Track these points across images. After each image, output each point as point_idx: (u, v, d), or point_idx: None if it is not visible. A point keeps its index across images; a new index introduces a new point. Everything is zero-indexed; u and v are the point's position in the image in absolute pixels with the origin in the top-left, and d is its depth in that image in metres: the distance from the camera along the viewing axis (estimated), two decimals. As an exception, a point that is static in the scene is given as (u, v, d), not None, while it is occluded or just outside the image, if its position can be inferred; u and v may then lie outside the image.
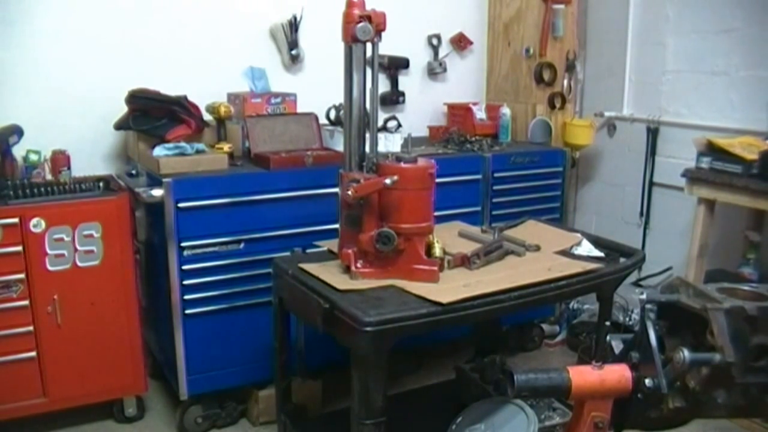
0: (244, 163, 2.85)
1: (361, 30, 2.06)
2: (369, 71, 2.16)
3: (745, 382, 1.44)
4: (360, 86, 2.13)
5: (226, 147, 2.85)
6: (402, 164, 2.08)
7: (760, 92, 2.99)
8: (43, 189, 2.58)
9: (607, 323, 2.32)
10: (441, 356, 3.33)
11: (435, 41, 3.75)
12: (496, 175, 3.21)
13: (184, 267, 2.60)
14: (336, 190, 2.25)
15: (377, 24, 2.09)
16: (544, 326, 3.64)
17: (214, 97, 2.99)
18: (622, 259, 2.39)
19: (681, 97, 3.36)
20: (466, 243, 2.45)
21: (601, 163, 3.84)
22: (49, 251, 2.51)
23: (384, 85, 3.60)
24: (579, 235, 2.55)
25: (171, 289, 2.60)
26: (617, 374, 1.54)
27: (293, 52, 3.32)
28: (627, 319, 3.41)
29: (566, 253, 2.38)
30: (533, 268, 2.22)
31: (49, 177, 2.81)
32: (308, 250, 2.44)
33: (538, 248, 2.40)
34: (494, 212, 3.21)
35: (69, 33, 2.94)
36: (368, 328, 1.82)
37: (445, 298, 1.92)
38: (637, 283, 3.37)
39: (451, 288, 2.02)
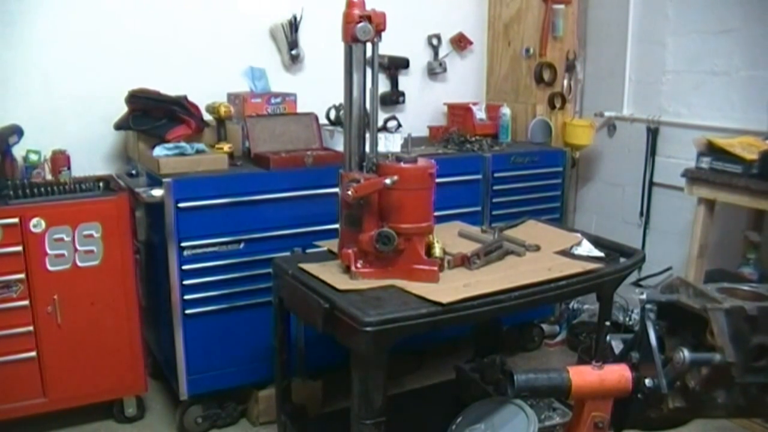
0: (244, 163, 2.85)
1: (361, 30, 2.06)
2: (369, 71, 2.16)
3: (745, 382, 1.44)
4: (360, 86, 2.13)
5: (226, 147, 2.85)
6: (402, 164, 2.08)
7: (760, 92, 2.99)
8: (43, 189, 2.59)
9: (607, 323, 2.31)
10: (441, 356, 3.33)
11: (435, 41, 3.75)
12: (496, 175, 3.21)
13: (184, 267, 2.60)
14: (336, 190, 2.25)
15: (377, 24, 2.09)
16: (544, 326, 3.64)
17: (214, 97, 2.99)
18: (622, 259, 2.39)
19: (681, 97, 3.36)
20: (466, 243, 2.45)
21: (601, 163, 3.84)
22: (49, 251, 2.51)
23: (384, 85, 3.59)
24: (579, 235, 2.55)
25: (171, 289, 2.60)
26: (617, 374, 1.54)
27: (293, 52, 3.32)
28: (627, 319, 3.41)
29: (566, 253, 2.38)
30: (533, 268, 2.22)
31: (49, 177, 2.81)
32: (308, 250, 2.44)
33: (538, 248, 2.40)
34: (494, 212, 3.21)
35: (69, 33, 2.94)
36: (368, 328, 1.82)
37: (445, 298, 1.92)
38: (637, 283, 3.37)
39: (451, 288, 2.02)
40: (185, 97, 2.86)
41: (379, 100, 2.52)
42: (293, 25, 3.30)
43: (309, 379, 2.84)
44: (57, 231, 2.52)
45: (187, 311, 2.63)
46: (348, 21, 2.08)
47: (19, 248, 2.48)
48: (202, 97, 2.94)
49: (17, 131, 2.74)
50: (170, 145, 2.70)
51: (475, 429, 2.33)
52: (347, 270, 2.13)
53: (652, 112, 3.47)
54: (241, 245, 2.68)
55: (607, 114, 3.68)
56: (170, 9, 3.10)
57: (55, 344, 2.59)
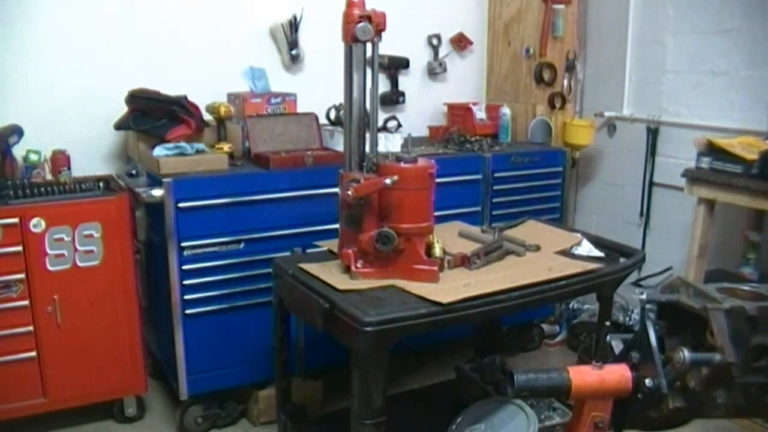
0: (244, 163, 2.85)
1: (361, 30, 2.06)
2: (369, 71, 2.16)
3: (745, 382, 1.44)
4: (360, 86, 2.13)
5: (226, 147, 2.85)
6: (402, 164, 2.08)
7: (760, 92, 2.99)
8: (43, 189, 2.59)
9: (607, 323, 2.31)
10: (441, 356, 3.33)
11: (435, 41, 3.75)
12: (496, 175, 3.21)
13: (184, 267, 2.60)
14: (336, 190, 2.25)
15: (377, 24, 2.09)
16: (544, 326, 3.64)
17: (214, 97, 2.99)
18: (622, 259, 2.38)
19: (681, 97, 3.36)
20: (466, 243, 2.45)
21: (601, 163, 3.84)
22: (49, 251, 2.51)
23: (384, 85, 3.59)
24: (579, 235, 2.55)
25: (171, 289, 2.60)
26: (617, 374, 1.54)
27: (293, 52, 3.32)
28: (627, 319, 3.40)
29: (566, 253, 2.38)
30: (533, 268, 2.22)
31: (49, 177, 2.81)
32: (308, 250, 2.44)
33: (538, 248, 2.40)
34: (494, 212, 3.21)
35: (69, 33, 2.94)
36: (368, 328, 1.82)
37: (445, 298, 1.92)
38: (637, 283, 3.36)
39: (451, 288, 2.02)
40: (185, 97, 2.86)
41: (379, 100, 2.53)
42: (293, 25, 3.30)
43: (309, 379, 2.84)
44: (57, 231, 2.52)
45: (187, 311, 2.63)
46: (348, 21, 2.08)
47: (19, 248, 2.48)
48: (202, 97, 2.94)
49: (17, 131, 2.74)
50: (170, 145, 2.70)
51: (475, 429, 2.33)
52: (347, 270, 2.13)
53: (652, 112, 3.47)
54: (241, 245, 2.68)
55: (607, 114, 3.68)
56: (170, 9, 3.10)
57: (55, 344, 2.59)
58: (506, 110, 3.53)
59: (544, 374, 1.55)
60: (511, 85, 3.77)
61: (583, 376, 1.54)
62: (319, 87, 3.13)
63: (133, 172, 2.92)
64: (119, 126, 2.94)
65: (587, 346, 3.38)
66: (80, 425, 2.83)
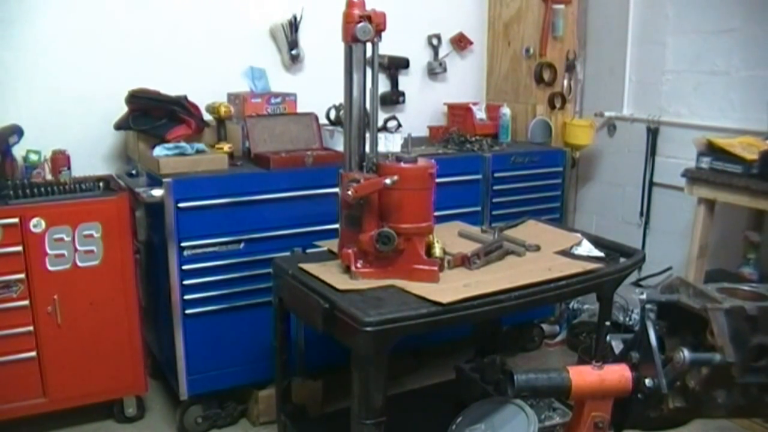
0: (244, 163, 2.85)
1: (361, 30, 2.06)
2: (369, 71, 2.16)
3: (745, 382, 1.44)
4: (360, 86, 2.13)
5: (226, 147, 2.85)
6: (402, 164, 2.08)
7: (760, 92, 2.99)
8: (43, 189, 2.58)
9: (607, 323, 2.32)
10: (441, 356, 3.33)
11: (435, 41, 3.75)
12: (496, 175, 3.21)
13: (184, 267, 2.60)
14: (336, 190, 2.25)
15: (377, 24, 2.09)
16: (544, 326, 3.64)
17: (214, 97, 2.99)
18: (622, 259, 2.38)
19: (681, 97, 3.36)
20: (466, 243, 2.45)
21: (601, 163, 3.84)
22: (49, 251, 2.51)
23: (384, 85, 3.59)
24: (579, 235, 2.55)
25: (171, 289, 2.60)
26: (617, 374, 1.54)
27: (293, 52, 3.32)
28: (627, 319, 3.41)
29: (566, 253, 2.38)
30: (533, 268, 2.22)
31: (49, 177, 2.81)
32: (308, 250, 2.44)
33: (538, 248, 2.40)
34: (494, 212, 3.21)
35: (69, 33, 2.94)
36: (368, 328, 1.82)
37: (445, 298, 1.92)
38: (637, 283, 3.37)
39: (451, 288, 2.02)
40: (185, 97, 2.86)
41: (379, 100, 2.53)
42: (293, 25, 3.30)
43: (309, 379, 2.84)
44: (57, 231, 2.51)
45: (187, 311, 2.63)
46: (348, 21, 2.08)
47: (19, 248, 2.48)
48: (202, 97, 2.94)
49: (17, 131, 2.74)
50: (170, 145, 2.70)
51: (475, 429, 2.33)
52: (347, 270, 2.13)
53: (652, 112, 3.47)
54: (241, 245, 2.68)
55: (607, 114, 3.68)
56: (170, 9, 3.10)
57: (55, 344, 2.59)
58: (506, 110, 3.53)
59: (544, 374, 1.55)
60: (511, 85, 3.77)
61: (583, 376, 1.54)
62: (319, 87, 3.13)
63: (133, 172, 2.92)
64: (119, 126, 2.94)
65: (587, 346, 3.38)
66: (80, 425, 2.83)
